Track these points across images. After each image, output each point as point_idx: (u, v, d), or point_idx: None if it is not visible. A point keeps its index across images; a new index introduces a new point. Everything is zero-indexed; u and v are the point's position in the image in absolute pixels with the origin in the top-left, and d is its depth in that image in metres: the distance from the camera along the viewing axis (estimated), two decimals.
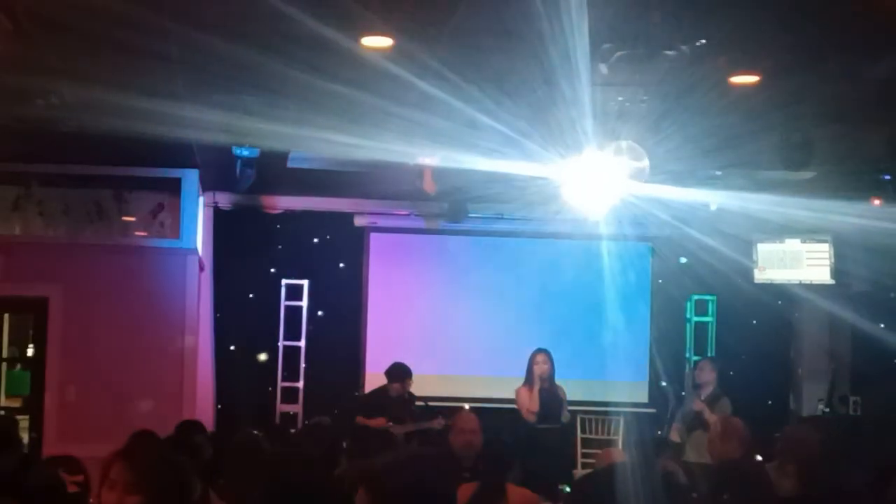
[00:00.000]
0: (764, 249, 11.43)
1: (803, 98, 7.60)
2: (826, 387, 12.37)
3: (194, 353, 10.91)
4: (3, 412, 10.67)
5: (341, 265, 12.43)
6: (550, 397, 9.86)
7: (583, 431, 12.26)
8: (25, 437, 9.59)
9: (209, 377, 11.77)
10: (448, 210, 12.01)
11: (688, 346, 12.94)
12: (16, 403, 10.91)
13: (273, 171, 9.94)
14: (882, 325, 10.56)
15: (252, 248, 11.97)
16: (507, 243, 12.63)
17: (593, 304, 12.01)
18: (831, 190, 9.59)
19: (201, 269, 11.35)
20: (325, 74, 6.86)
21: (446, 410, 9.88)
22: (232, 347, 12.01)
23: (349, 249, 12.49)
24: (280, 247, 12.18)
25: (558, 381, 10.02)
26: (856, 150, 9.32)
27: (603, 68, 6.57)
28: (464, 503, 5.30)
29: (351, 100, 7.35)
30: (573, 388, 10.57)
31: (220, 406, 11.86)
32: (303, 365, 12.27)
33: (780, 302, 11.88)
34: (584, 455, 12.09)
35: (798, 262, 11.36)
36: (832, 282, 11.27)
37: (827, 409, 11.93)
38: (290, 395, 12.26)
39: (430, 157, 9.21)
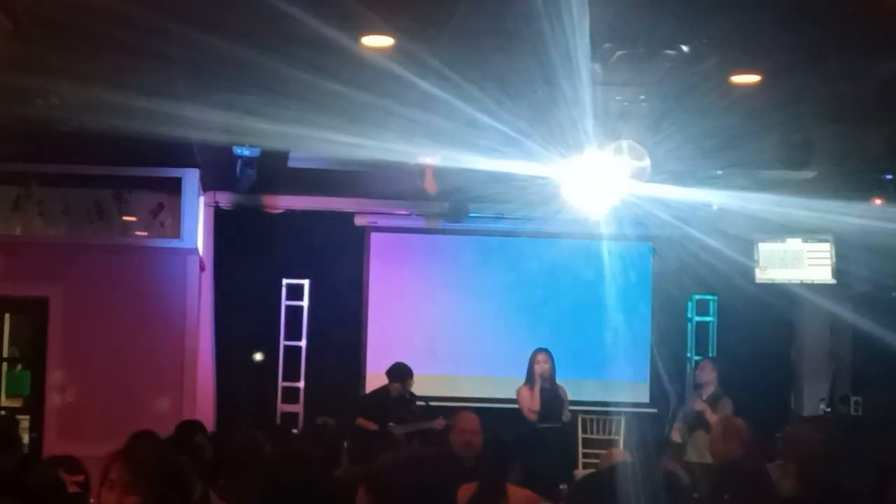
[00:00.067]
0: (765, 249, 11.42)
1: (804, 98, 7.60)
2: (827, 387, 12.37)
3: (195, 352, 10.90)
4: (3, 412, 10.66)
5: (342, 265, 12.41)
6: (551, 396, 9.86)
7: (584, 431, 12.25)
8: (26, 438, 9.59)
9: (210, 377, 11.76)
10: (449, 210, 12.00)
11: (689, 345, 12.93)
12: (16, 403, 10.89)
13: (274, 171, 9.94)
14: (883, 325, 10.55)
15: (253, 247, 11.95)
16: (507, 243, 12.62)
17: (594, 303, 12.00)
18: (832, 190, 9.58)
19: (202, 268, 11.35)
20: (326, 74, 6.86)
21: (447, 410, 9.86)
22: (232, 347, 11.99)
23: (350, 249, 12.48)
24: (281, 246, 12.17)
25: (559, 380, 10.02)
26: (856, 150, 9.32)
27: (598, 68, 6.57)
28: (464, 503, 5.30)
29: (351, 99, 7.35)
30: (574, 388, 10.57)
31: (220, 406, 11.85)
32: (303, 365, 12.26)
33: (781, 302, 11.87)
34: (586, 455, 12.08)
35: (799, 262, 11.35)
36: (833, 281, 11.26)
37: (828, 409, 11.92)
38: (290, 394, 12.25)
39: (430, 156, 9.21)
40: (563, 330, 11.91)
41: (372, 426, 10.06)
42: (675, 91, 7.40)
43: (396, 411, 10.29)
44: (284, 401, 12.22)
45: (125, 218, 10.99)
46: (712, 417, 9.33)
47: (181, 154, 9.86)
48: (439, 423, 10.08)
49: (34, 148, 9.54)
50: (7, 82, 7.10)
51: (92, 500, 5.42)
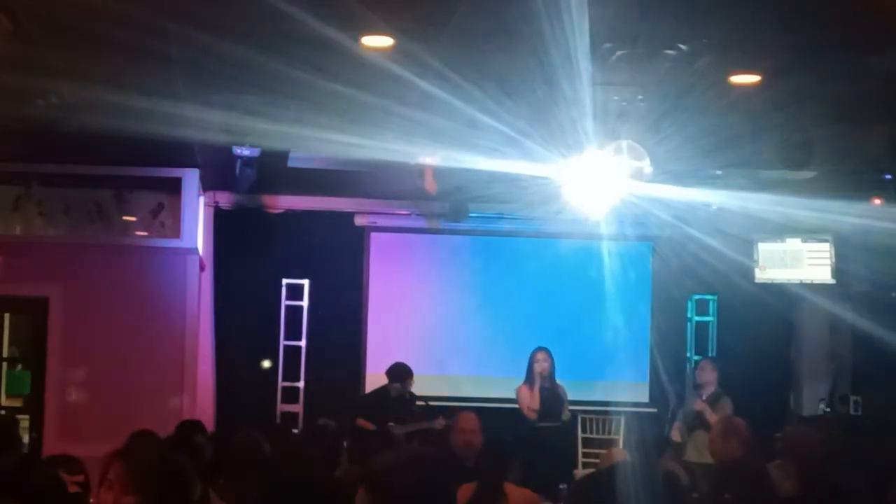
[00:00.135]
0: (765, 249, 11.43)
1: (804, 98, 7.60)
2: (827, 386, 12.38)
3: (195, 352, 10.90)
4: (3, 412, 10.66)
5: (342, 265, 12.41)
6: (551, 395, 9.87)
7: (584, 431, 12.25)
8: (26, 437, 9.59)
9: (209, 377, 11.77)
10: (449, 210, 12.00)
11: (688, 345, 12.93)
12: (16, 403, 10.90)
13: (274, 171, 9.94)
14: (883, 325, 10.55)
15: (253, 247, 11.95)
16: (507, 243, 12.63)
17: (594, 303, 11.99)
18: (832, 190, 9.58)
19: (202, 268, 11.35)
20: (326, 74, 6.86)
21: (447, 410, 9.87)
22: (232, 347, 11.99)
23: (350, 249, 12.48)
24: (281, 246, 12.17)
25: (559, 380, 10.03)
26: (856, 150, 9.32)
27: (598, 68, 6.57)
28: (464, 503, 5.30)
29: (351, 99, 7.35)
30: (574, 388, 10.58)
31: (220, 406, 11.85)
32: (303, 365, 12.26)
33: (780, 302, 11.87)
34: (585, 455, 12.09)
35: (799, 262, 11.35)
36: (833, 281, 11.27)
37: (828, 409, 11.93)
38: (290, 394, 12.25)
39: (430, 156, 9.21)
40: (562, 329, 11.90)
41: (371, 426, 10.06)
42: (674, 91, 7.40)
43: (396, 411, 10.29)
44: (284, 401, 12.22)
45: (125, 218, 10.99)
46: (712, 417, 9.34)
47: (181, 154, 9.86)
48: (439, 423, 10.08)
49: (34, 148, 9.55)
50: (7, 82, 7.10)
51: (92, 500, 5.42)
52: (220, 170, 10.20)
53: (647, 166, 7.84)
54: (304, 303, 12.31)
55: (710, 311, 12.94)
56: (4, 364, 10.99)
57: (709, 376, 10.10)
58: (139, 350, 10.49)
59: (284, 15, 5.65)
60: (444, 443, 7.94)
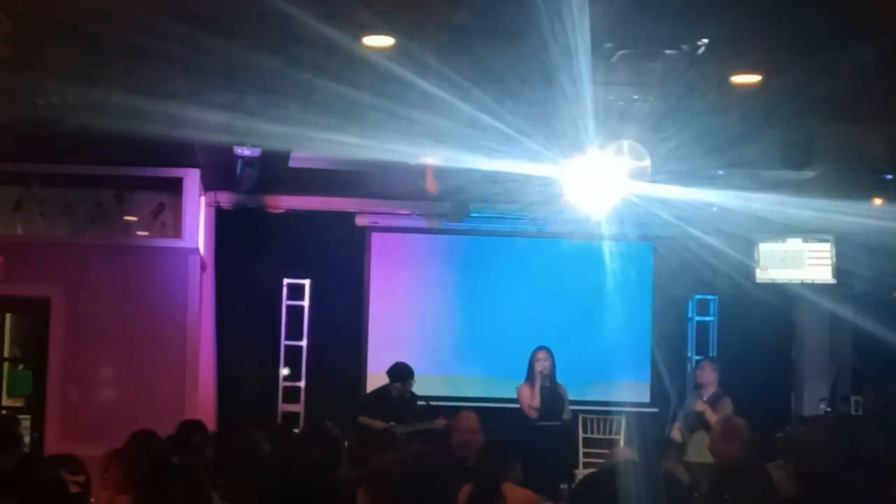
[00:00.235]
0: (765, 249, 11.43)
1: (804, 97, 7.59)
2: (828, 386, 12.37)
3: (196, 352, 10.90)
4: (4, 412, 10.67)
5: (343, 265, 12.41)
6: (552, 395, 9.88)
7: (584, 431, 12.25)
8: (27, 437, 9.59)
9: (210, 377, 11.77)
10: (450, 210, 12.01)
11: (689, 345, 12.93)
12: (18, 403, 10.90)
13: (275, 171, 9.94)
14: (884, 325, 10.55)
15: (254, 247, 11.95)
16: (508, 243, 12.62)
17: (595, 303, 11.98)
18: (833, 189, 9.58)
19: (203, 268, 11.35)
20: (327, 74, 6.87)
21: (448, 410, 9.87)
22: (233, 347, 11.99)
23: (351, 249, 12.47)
24: (282, 246, 12.16)
25: (560, 380, 10.03)
26: (857, 150, 9.32)
27: (598, 68, 6.57)
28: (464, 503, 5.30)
29: (352, 99, 7.35)
30: (575, 388, 10.58)
31: (221, 406, 11.85)
32: (304, 364, 12.26)
33: (781, 302, 11.87)
34: (586, 455, 12.08)
35: (800, 262, 11.35)
36: (834, 281, 11.26)
37: (829, 409, 11.92)
38: (291, 394, 12.25)
39: (431, 156, 9.22)
40: (563, 329, 11.89)
41: (376, 422, 10.06)
42: (675, 91, 7.40)
43: (397, 411, 10.29)
44: (285, 400, 12.22)
45: (126, 218, 10.99)
46: (713, 418, 9.34)
47: (182, 154, 9.86)
48: (440, 423, 10.08)
49: (35, 148, 9.55)
50: (8, 82, 7.10)
51: (92, 500, 5.43)
52: (221, 170, 10.21)
53: (647, 166, 7.83)
54: (305, 303, 12.31)
55: (711, 311, 12.93)
56: (6, 364, 10.99)
57: (709, 376, 10.10)
58: (140, 350, 10.49)
59: (285, 15, 5.66)
60: (444, 443, 7.94)
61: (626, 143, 7.89)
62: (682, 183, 9.05)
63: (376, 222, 12.54)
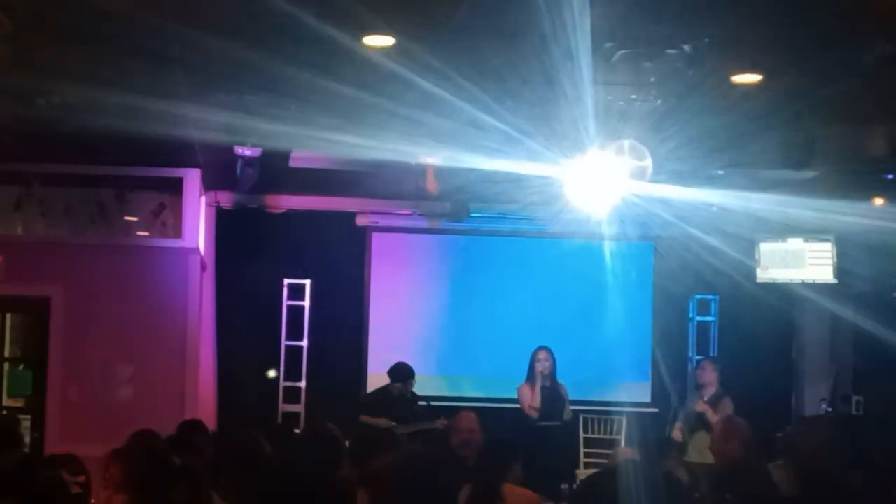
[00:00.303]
0: (766, 249, 11.43)
1: (805, 97, 7.59)
2: (828, 386, 12.37)
3: (196, 352, 10.90)
4: (5, 412, 10.67)
5: (343, 265, 12.41)
6: (552, 395, 9.88)
7: (585, 431, 12.25)
8: (27, 437, 9.59)
9: (211, 376, 11.77)
10: (450, 210, 12.01)
11: (690, 345, 12.93)
12: (18, 403, 10.90)
13: (275, 171, 9.94)
14: (884, 325, 10.55)
15: (254, 247, 11.95)
16: (509, 243, 12.62)
17: (595, 303, 11.99)
18: (833, 189, 9.58)
19: (203, 268, 11.35)
20: (327, 74, 6.86)
21: (448, 410, 9.86)
22: (234, 347, 11.99)
23: (351, 249, 12.47)
24: (282, 246, 12.16)
25: (560, 380, 10.03)
26: (858, 150, 9.32)
27: (599, 68, 6.57)
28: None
29: (353, 99, 7.35)
30: (575, 388, 10.58)
31: (221, 405, 11.85)
32: (305, 364, 12.26)
33: (782, 301, 11.87)
34: (587, 455, 12.09)
35: (800, 262, 11.35)
36: (834, 281, 11.26)
37: (829, 409, 11.92)
38: (292, 394, 12.25)
39: (432, 156, 9.21)
40: (564, 329, 11.89)
41: (377, 422, 10.06)
42: (676, 91, 7.39)
43: (398, 411, 10.29)
44: (286, 401, 12.22)
45: (127, 218, 10.99)
46: (713, 418, 9.34)
47: (183, 154, 9.86)
48: (441, 423, 10.08)
49: (35, 148, 9.54)
50: (8, 82, 7.10)
51: (93, 500, 5.43)
52: (221, 170, 10.20)
53: (648, 166, 7.83)
54: (306, 303, 12.31)
55: (712, 311, 12.93)
56: (6, 364, 10.98)
57: (710, 376, 10.10)
58: (141, 350, 10.49)
59: (286, 14, 5.65)
60: (445, 443, 7.94)
61: (626, 143, 7.89)
62: (683, 183, 9.04)
63: (377, 222, 12.54)
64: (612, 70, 6.86)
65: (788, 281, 11.45)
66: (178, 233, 10.82)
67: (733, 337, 12.45)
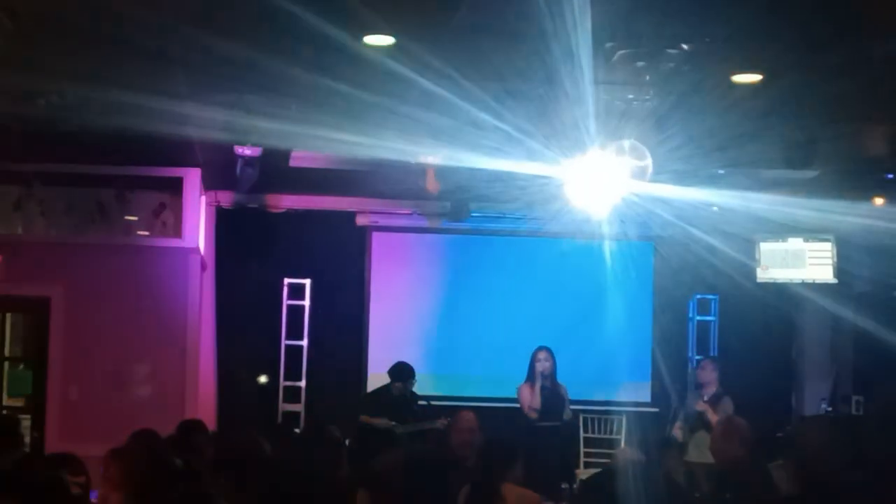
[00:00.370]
0: (766, 248, 11.42)
1: (806, 97, 7.59)
2: (829, 386, 12.37)
3: (196, 352, 10.91)
4: (5, 412, 10.67)
5: (343, 264, 12.41)
6: (552, 395, 9.86)
7: (585, 431, 12.26)
8: (28, 437, 9.59)
9: (211, 376, 11.77)
10: (450, 209, 12.01)
11: (690, 345, 12.94)
12: (18, 403, 10.90)
13: (275, 170, 9.93)
14: (884, 325, 10.55)
15: (254, 247, 11.95)
16: (509, 242, 12.62)
17: (595, 303, 11.99)
18: (834, 189, 9.58)
19: (203, 268, 11.35)
20: (328, 73, 6.86)
21: (449, 410, 9.86)
22: (234, 347, 11.99)
23: (351, 248, 12.48)
24: (282, 246, 12.16)
25: (560, 380, 10.02)
26: (858, 150, 9.32)
27: (600, 67, 6.57)
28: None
29: (353, 98, 7.34)
30: (575, 388, 10.56)
31: (221, 405, 11.85)
32: (305, 364, 12.26)
33: (782, 301, 11.87)
34: (587, 454, 12.09)
35: (800, 262, 11.35)
36: (835, 281, 11.26)
37: (829, 409, 11.92)
38: (292, 394, 12.25)
39: (432, 155, 9.21)
40: (564, 329, 11.88)
41: (377, 422, 10.05)
42: (676, 90, 7.39)
43: (398, 411, 10.28)
44: (286, 400, 12.22)
45: (127, 217, 11.00)
46: (713, 417, 9.34)
47: (183, 153, 9.86)
48: (441, 423, 10.07)
49: (36, 147, 9.54)
50: (8, 82, 7.10)
51: (93, 500, 5.42)
52: (221, 169, 10.20)
53: (648, 165, 7.83)
54: (306, 302, 12.32)
55: (712, 311, 12.94)
56: (6, 364, 10.99)
57: (710, 376, 10.09)
58: (141, 349, 10.50)
59: (286, 14, 5.65)
60: (445, 443, 7.93)
61: (627, 143, 7.88)
62: (683, 183, 9.04)
63: (377, 222, 12.54)
64: (613, 69, 6.86)
65: (788, 281, 11.44)
66: (178, 232, 10.82)
67: (733, 337, 12.45)
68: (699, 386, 10.19)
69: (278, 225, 12.17)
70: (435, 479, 2.87)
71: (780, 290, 11.56)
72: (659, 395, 12.35)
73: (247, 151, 8.98)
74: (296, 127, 7.94)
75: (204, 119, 7.99)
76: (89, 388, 10.42)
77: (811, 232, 11.13)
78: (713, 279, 11.50)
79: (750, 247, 11.31)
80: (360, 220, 12.50)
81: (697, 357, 12.40)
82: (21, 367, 11.10)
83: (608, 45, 6.48)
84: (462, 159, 8.70)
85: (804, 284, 11.44)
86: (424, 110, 7.45)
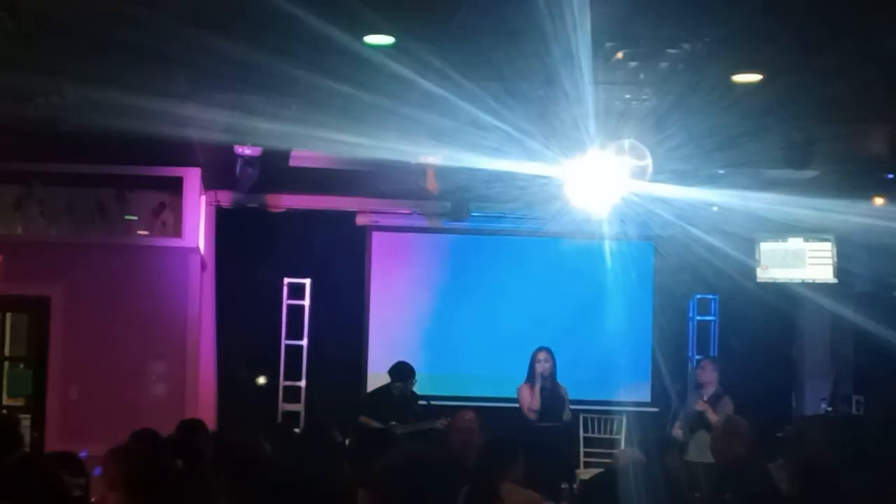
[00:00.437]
0: (766, 248, 11.42)
1: (806, 97, 7.59)
2: (829, 386, 12.36)
3: (196, 351, 10.90)
4: (5, 411, 10.66)
5: (343, 264, 12.41)
6: (552, 395, 9.85)
7: (585, 431, 12.26)
8: (27, 437, 9.58)
9: (211, 376, 11.77)
10: (450, 209, 12.01)
11: (690, 345, 12.93)
12: (18, 403, 10.90)
13: (275, 170, 9.93)
14: (885, 325, 10.55)
15: (254, 246, 11.94)
16: (509, 242, 12.62)
17: (595, 303, 11.98)
18: (834, 189, 9.58)
19: (203, 267, 11.35)
20: (328, 73, 6.86)
21: (449, 411, 9.85)
22: (234, 346, 11.99)
23: (351, 248, 12.48)
24: (282, 246, 12.16)
25: (560, 380, 10.01)
26: (858, 149, 9.32)
27: (600, 67, 6.57)
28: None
29: (353, 98, 7.34)
30: (575, 388, 10.55)
31: (221, 405, 11.85)
32: (305, 364, 12.26)
33: (782, 301, 11.87)
34: (587, 454, 12.09)
35: (801, 261, 11.35)
36: (835, 281, 11.26)
37: (830, 409, 11.92)
38: (292, 394, 12.25)
39: (432, 155, 9.21)
40: (564, 329, 11.89)
41: (375, 423, 10.06)
42: (676, 90, 7.39)
43: (398, 411, 10.27)
44: (286, 400, 12.22)
45: (127, 217, 11.00)
46: (714, 417, 9.34)
47: (183, 153, 9.86)
48: (441, 422, 10.07)
49: (36, 147, 9.54)
50: (8, 82, 7.10)
51: (93, 500, 5.42)
52: (221, 169, 10.20)
53: (648, 165, 7.84)
54: (306, 302, 12.32)
55: (712, 311, 12.94)
56: (6, 364, 10.99)
57: (710, 376, 10.09)
58: (141, 349, 10.50)
59: (287, 13, 5.65)
60: (445, 443, 7.93)
61: (626, 143, 7.89)
62: (683, 182, 9.04)
63: (377, 221, 12.54)
64: (613, 69, 6.87)
65: (788, 280, 11.44)
66: (178, 232, 10.82)
67: (733, 337, 12.46)
68: (699, 386, 10.18)
69: (278, 225, 12.17)
70: (435, 479, 2.87)
71: (780, 290, 11.55)
72: (659, 395, 12.34)
73: (247, 151, 8.98)
74: (296, 127, 7.95)
75: (204, 119, 7.99)
76: (89, 388, 10.42)
77: (811, 232, 11.13)
78: (713, 279, 11.50)
79: (750, 246, 11.31)
80: (360, 220, 12.50)
81: (697, 357, 12.39)
82: (21, 366, 11.09)
83: (608, 45, 6.48)
84: (462, 159, 8.71)
85: (804, 284, 11.44)
86: (425, 110, 7.46)
